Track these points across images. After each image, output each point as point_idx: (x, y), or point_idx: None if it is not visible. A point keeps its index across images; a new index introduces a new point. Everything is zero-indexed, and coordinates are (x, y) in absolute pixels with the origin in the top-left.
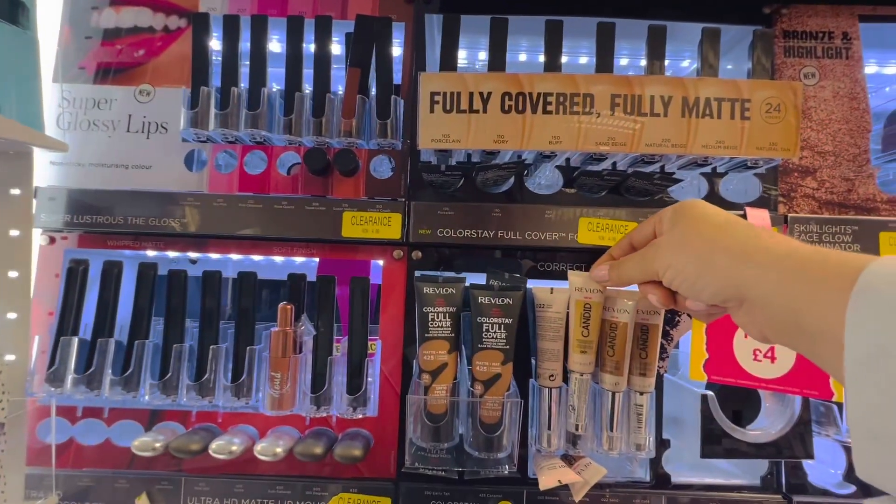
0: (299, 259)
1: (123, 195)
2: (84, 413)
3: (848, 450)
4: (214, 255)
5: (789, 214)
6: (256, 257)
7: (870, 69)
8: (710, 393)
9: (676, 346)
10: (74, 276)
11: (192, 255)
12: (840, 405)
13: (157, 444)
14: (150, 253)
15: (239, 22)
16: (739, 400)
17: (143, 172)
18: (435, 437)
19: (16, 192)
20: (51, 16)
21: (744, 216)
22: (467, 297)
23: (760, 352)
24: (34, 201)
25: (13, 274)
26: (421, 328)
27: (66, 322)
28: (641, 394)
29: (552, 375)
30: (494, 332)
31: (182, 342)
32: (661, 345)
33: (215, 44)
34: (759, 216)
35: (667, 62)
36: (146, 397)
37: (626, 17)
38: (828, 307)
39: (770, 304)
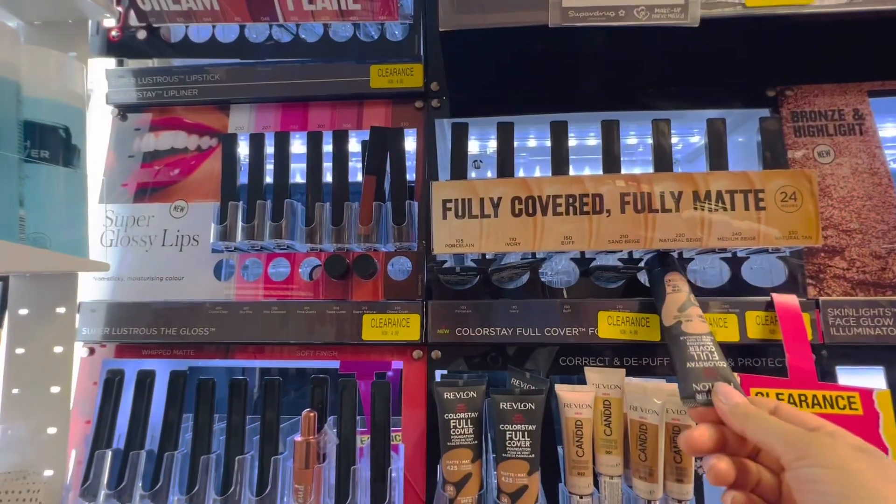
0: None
1: (157, 307)
2: None
3: None
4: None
5: (821, 298)
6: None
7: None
8: None
9: None
10: (110, 387)
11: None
12: None
13: None
14: (181, 360)
15: (264, 140)
16: None
17: (176, 283)
18: None
19: (61, 310)
20: (100, 141)
21: (771, 303)
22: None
23: None
24: (77, 316)
25: (55, 389)
26: (443, 436)
27: (102, 434)
28: (680, 502)
29: (580, 482)
30: (518, 441)
31: (209, 452)
32: None
33: (243, 149)
34: (788, 302)
35: (677, 139)
36: None
37: (629, 109)
38: None
39: None
